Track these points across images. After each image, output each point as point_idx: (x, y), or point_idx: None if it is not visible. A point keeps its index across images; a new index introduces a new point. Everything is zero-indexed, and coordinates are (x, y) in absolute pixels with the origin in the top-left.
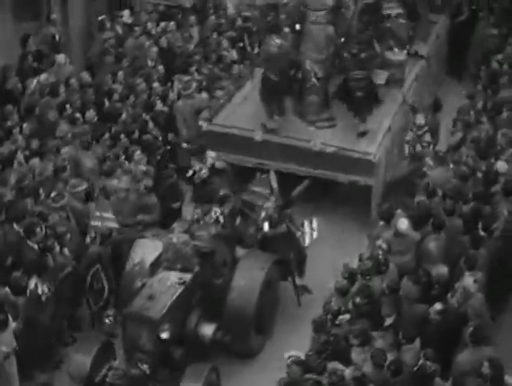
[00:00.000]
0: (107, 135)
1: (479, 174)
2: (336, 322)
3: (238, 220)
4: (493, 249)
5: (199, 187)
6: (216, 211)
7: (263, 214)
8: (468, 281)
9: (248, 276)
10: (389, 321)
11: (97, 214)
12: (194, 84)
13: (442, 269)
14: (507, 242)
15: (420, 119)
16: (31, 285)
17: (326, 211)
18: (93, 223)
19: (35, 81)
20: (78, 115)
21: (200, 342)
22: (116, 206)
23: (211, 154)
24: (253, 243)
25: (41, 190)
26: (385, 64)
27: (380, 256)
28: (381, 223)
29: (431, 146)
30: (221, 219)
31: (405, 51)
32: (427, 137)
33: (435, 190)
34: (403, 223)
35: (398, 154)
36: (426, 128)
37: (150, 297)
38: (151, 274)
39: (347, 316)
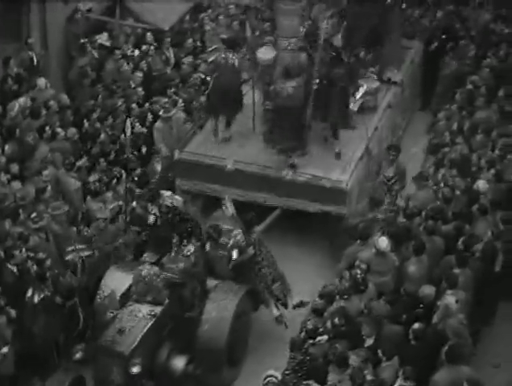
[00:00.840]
0: (85, 157)
1: (457, 193)
2: (313, 342)
3: (208, 251)
4: (476, 269)
5: (152, 233)
6: (191, 246)
7: (231, 242)
8: (450, 299)
9: (219, 307)
10: (369, 341)
11: (71, 248)
12: (173, 108)
13: (428, 289)
14: (487, 262)
15: (390, 171)
16: (28, 293)
17: (298, 240)
18: (69, 256)
19: (17, 104)
20: (59, 130)
21: (171, 376)
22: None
23: (166, 194)
24: (223, 273)
25: (21, 212)
26: (358, 91)
27: (358, 276)
28: (358, 242)
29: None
30: (193, 252)
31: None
32: (396, 186)
33: (416, 211)
34: (383, 242)
35: (371, 182)
36: (395, 178)
37: (121, 330)
38: (122, 306)
39: (325, 337)
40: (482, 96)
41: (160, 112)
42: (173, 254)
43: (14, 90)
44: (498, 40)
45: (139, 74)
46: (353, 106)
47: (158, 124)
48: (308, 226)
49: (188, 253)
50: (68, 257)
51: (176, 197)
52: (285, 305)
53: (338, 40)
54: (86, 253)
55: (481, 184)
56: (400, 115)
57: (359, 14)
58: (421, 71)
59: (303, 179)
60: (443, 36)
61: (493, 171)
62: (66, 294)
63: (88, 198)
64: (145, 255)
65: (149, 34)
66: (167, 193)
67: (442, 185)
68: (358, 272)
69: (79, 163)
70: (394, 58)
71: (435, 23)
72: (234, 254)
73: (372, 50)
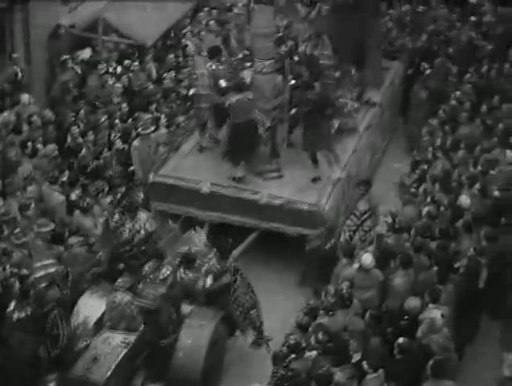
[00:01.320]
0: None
1: (442, 209)
2: (295, 357)
3: (183, 277)
4: (459, 285)
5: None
6: (166, 269)
7: (205, 268)
8: (434, 313)
9: (194, 334)
10: (356, 356)
11: (38, 264)
12: (152, 125)
13: (414, 302)
14: (471, 278)
15: (363, 205)
16: (10, 307)
17: (277, 261)
18: (36, 275)
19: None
20: (40, 146)
21: None
22: (68, 260)
23: (142, 216)
24: (198, 298)
25: (5, 227)
26: (336, 113)
27: (344, 291)
28: (344, 259)
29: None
30: (170, 278)
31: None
32: (369, 223)
33: (404, 226)
34: (367, 259)
35: (349, 205)
36: (368, 213)
37: (95, 359)
38: (95, 334)
39: (314, 353)
40: (465, 111)
41: (139, 130)
42: (149, 279)
43: None
44: (480, 56)
45: (119, 85)
46: (332, 128)
47: (135, 142)
48: (286, 248)
49: (165, 276)
50: (36, 274)
51: (150, 222)
52: (261, 334)
53: (328, 57)
54: (52, 269)
55: (464, 200)
56: (380, 136)
57: (339, 33)
58: (401, 92)
59: (280, 202)
60: (421, 60)
61: (477, 186)
62: (46, 306)
63: (77, 213)
64: (119, 280)
65: (131, 49)
66: (144, 215)
67: (427, 201)
68: (343, 287)
69: (62, 178)
70: (374, 79)
71: (418, 44)
72: (208, 281)
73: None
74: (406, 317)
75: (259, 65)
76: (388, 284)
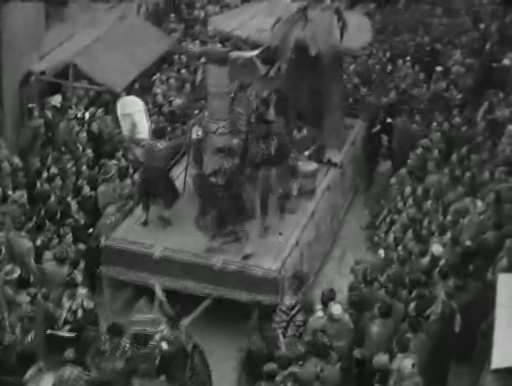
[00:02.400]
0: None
1: (413, 257)
2: None
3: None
4: (433, 332)
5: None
6: (124, 343)
7: (158, 337)
8: (405, 363)
9: None
10: None
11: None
12: (114, 169)
13: (382, 358)
14: (444, 324)
15: (289, 299)
16: None
17: (228, 329)
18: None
19: None
20: (10, 192)
21: None
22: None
23: (81, 292)
24: (151, 372)
25: None
26: (295, 174)
27: (324, 341)
28: (320, 307)
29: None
30: (129, 352)
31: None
32: (300, 317)
33: (374, 277)
34: (337, 309)
35: (307, 270)
36: (297, 307)
37: None
38: None
39: None
40: (433, 160)
41: (102, 176)
42: (107, 352)
43: None
44: (450, 106)
45: (83, 135)
46: (292, 190)
47: (101, 187)
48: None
49: (124, 350)
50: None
51: (89, 298)
52: None
53: (271, 116)
54: None
55: (435, 248)
56: (341, 197)
57: (297, 92)
58: (364, 151)
59: (234, 268)
60: (387, 118)
61: (449, 235)
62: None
63: (47, 258)
64: (67, 352)
65: (102, 96)
66: (83, 292)
67: (398, 248)
68: (320, 336)
69: (29, 224)
70: (334, 138)
71: (384, 102)
72: (163, 345)
73: (311, 128)
74: (377, 374)
75: (213, 126)
76: (364, 332)
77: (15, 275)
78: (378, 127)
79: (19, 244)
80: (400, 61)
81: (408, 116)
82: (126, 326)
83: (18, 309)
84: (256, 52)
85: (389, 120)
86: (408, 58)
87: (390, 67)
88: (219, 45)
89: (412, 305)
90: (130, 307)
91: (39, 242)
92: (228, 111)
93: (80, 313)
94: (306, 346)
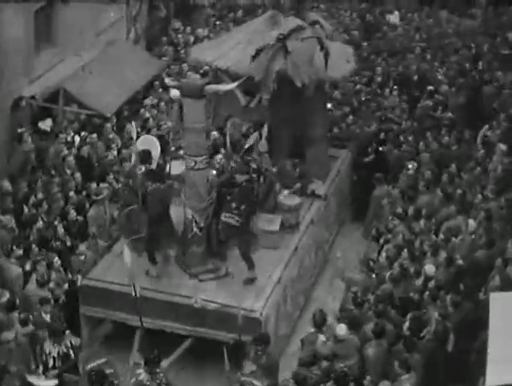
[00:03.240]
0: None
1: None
2: None
3: None
4: (427, 352)
5: None
6: None
7: (132, 382)
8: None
9: None
10: None
11: None
12: (105, 191)
13: (384, 384)
14: (438, 344)
15: (249, 367)
16: None
17: (209, 371)
18: None
19: None
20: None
21: None
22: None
23: (68, 336)
24: None
25: None
26: (277, 209)
27: (344, 370)
28: (312, 329)
29: None
30: None
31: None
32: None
33: (364, 299)
34: (342, 330)
35: (291, 307)
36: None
37: None
38: None
39: None
40: (424, 180)
41: (93, 197)
42: None
43: None
44: (438, 125)
45: (70, 159)
46: (274, 225)
47: (91, 211)
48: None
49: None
50: None
51: (74, 338)
52: None
53: (264, 146)
54: None
55: (428, 268)
56: (326, 230)
57: (280, 123)
58: (350, 182)
59: (214, 307)
60: (379, 147)
61: (443, 255)
62: None
63: (32, 286)
64: None
65: (93, 120)
66: (67, 332)
67: (392, 267)
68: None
69: (18, 249)
70: (317, 170)
71: (370, 131)
72: None
73: (295, 162)
74: None
75: (190, 161)
76: (362, 353)
77: (4, 299)
78: (372, 157)
79: (8, 270)
80: (387, 90)
81: (394, 144)
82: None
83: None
84: (233, 85)
85: (381, 148)
86: (394, 86)
87: (369, 96)
88: (197, 76)
89: (406, 325)
90: (109, 345)
91: (27, 267)
92: (205, 146)
93: (71, 353)
94: (323, 373)
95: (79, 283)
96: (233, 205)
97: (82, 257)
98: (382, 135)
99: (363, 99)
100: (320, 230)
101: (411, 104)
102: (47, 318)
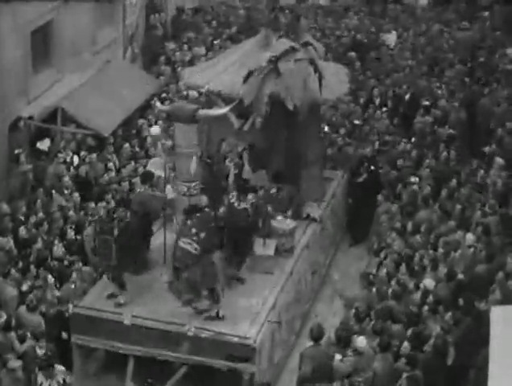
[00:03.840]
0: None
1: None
2: None
3: None
4: (427, 366)
5: None
6: None
7: None
8: None
9: None
10: None
11: None
12: (101, 211)
13: None
14: (439, 357)
15: None
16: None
17: None
18: None
19: None
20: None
21: None
22: None
23: (59, 368)
24: None
25: None
26: (272, 233)
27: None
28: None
29: None
30: None
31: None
32: None
33: (365, 313)
34: (361, 342)
35: (287, 332)
36: None
37: None
38: None
39: None
40: (423, 196)
41: (89, 218)
42: None
43: None
44: (436, 141)
45: (66, 179)
46: (269, 250)
47: (87, 230)
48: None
49: None
50: None
51: (68, 377)
52: None
53: (247, 173)
54: None
55: (428, 283)
56: (322, 253)
57: (274, 145)
58: (346, 204)
59: (207, 335)
60: (371, 167)
61: (443, 269)
62: None
63: (23, 309)
64: None
65: (89, 139)
66: (61, 369)
67: (391, 283)
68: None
69: (15, 270)
70: (312, 193)
71: (362, 152)
72: None
73: (288, 185)
74: None
75: (183, 188)
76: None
77: (1, 320)
78: (364, 176)
79: (5, 292)
80: (378, 112)
81: (390, 166)
82: None
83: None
84: (225, 110)
85: (372, 168)
86: (385, 109)
87: (365, 116)
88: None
89: (406, 341)
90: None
91: (24, 287)
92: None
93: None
94: None
95: (70, 311)
96: (193, 231)
97: (72, 286)
98: (376, 157)
99: (357, 122)
100: (316, 253)
101: (406, 124)
102: (39, 351)
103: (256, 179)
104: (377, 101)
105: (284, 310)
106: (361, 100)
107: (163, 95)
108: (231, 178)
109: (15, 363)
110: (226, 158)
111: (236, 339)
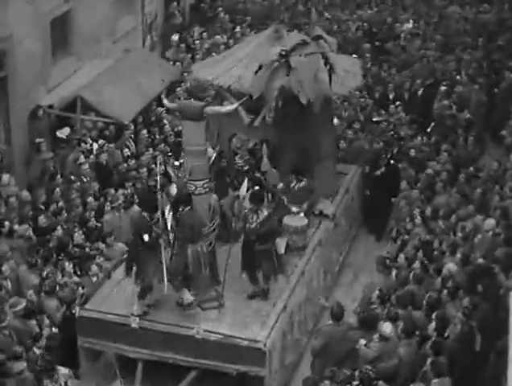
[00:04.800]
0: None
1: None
2: None
3: None
4: (454, 352)
5: None
6: None
7: None
8: None
9: None
10: None
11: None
12: (121, 198)
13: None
14: (465, 344)
15: None
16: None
17: None
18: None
19: None
20: (17, 227)
21: None
22: None
23: (63, 372)
24: None
25: None
26: (283, 230)
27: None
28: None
29: None
30: None
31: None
32: None
33: (387, 296)
34: (388, 327)
35: (299, 333)
36: None
37: None
38: None
39: None
40: (442, 181)
41: (108, 204)
42: None
43: None
44: (454, 125)
45: (85, 167)
46: (279, 248)
47: (106, 216)
48: None
49: None
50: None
51: (72, 380)
52: None
53: (266, 165)
54: None
55: (451, 267)
56: (335, 250)
57: (286, 140)
58: (362, 198)
59: (217, 338)
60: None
61: (459, 255)
62: None
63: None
64: None
65: (110, 128)
66: (65, 372)
67: (412, 267)
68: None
69: (35, 258)
70: (325, 188)
71: (379, 145)
72: None
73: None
74: None
75: (191, 186)
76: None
77: (20, 307)
78: (383, 169)
79: (26, 280)
80: (392, 106)
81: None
82: None
83: None
84: (234, 106)
85: (392, 162)
86: (398, 103)
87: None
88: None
89: (432, 326)
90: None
91: (45, 274)
92: (206, 169)
93: None
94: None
95: (76, 314)
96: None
97: (94, 279)
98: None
99: (376, 119)
100: (329, 251)
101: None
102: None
103: (269, 177)
104: (392, 96)
105: (296, 310)
106: (376, 95)
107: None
108: (243, 189)
109: (20, 366)
110: (236, 154)
111: (246, 343)
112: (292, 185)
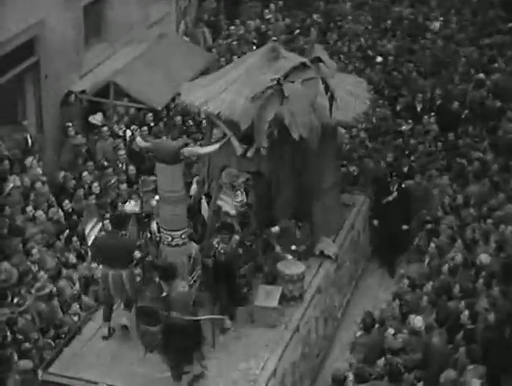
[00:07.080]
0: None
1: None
2: None
3: None
4: (485, 341)
5: None
6: None
7: None
8: (473, 384)
9: None
10: None
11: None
12: (152, 184)
13: (451, 374)
14: (498, 332)
15: None
16: None
17: None
18: None
19: (11, 185)
20: (40, 213)
21: None
22: None
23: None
24: None
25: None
26: (278, 278)
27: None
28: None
29: None
30: None
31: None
32: None
33: (419, 284)
34: (419, 321)
35: None
36: None
37: None
38: None
39: None
40: (474, 169)
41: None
42: None
43: (4, 170)
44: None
45: (122, 152)
46: (272, 300)
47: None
48: None
49: None
50: None
51: None
52: None
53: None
54: None
55: (484, 257)
56: (337, 296)
57: (282, 174)
58: (370, 230)
59: None
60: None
61: (493, 243)
62: None
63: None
64: None
65: (142, 113)
66: None
67: (445, 257)
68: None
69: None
70: (329, 225)
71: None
72: None
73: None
74: None
75: (167, 237)
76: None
77: (46, 290)
78: (395, 194)
79: (48, 262)
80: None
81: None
82: None
83: None
84: (215, 147)
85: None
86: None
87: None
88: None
89: (466, 314)
90: None
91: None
92: (183, 219)
93: None
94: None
95: (40, 378)
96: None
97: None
98: (405, 169)
99: (404, 127)
100: (330, 297)
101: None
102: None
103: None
104: (419, 107)
105: (289, 372)
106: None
107: (145, 127)
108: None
109: (27, 365)
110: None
111: None
112: (291, 232)
